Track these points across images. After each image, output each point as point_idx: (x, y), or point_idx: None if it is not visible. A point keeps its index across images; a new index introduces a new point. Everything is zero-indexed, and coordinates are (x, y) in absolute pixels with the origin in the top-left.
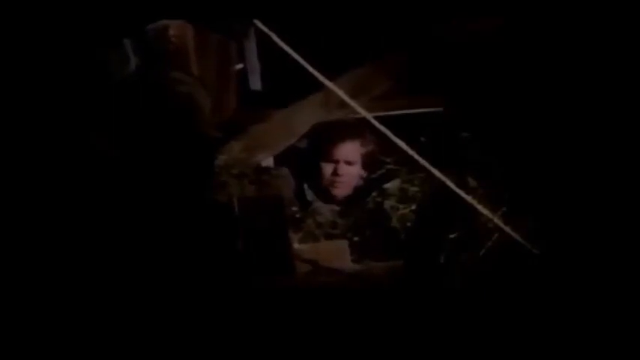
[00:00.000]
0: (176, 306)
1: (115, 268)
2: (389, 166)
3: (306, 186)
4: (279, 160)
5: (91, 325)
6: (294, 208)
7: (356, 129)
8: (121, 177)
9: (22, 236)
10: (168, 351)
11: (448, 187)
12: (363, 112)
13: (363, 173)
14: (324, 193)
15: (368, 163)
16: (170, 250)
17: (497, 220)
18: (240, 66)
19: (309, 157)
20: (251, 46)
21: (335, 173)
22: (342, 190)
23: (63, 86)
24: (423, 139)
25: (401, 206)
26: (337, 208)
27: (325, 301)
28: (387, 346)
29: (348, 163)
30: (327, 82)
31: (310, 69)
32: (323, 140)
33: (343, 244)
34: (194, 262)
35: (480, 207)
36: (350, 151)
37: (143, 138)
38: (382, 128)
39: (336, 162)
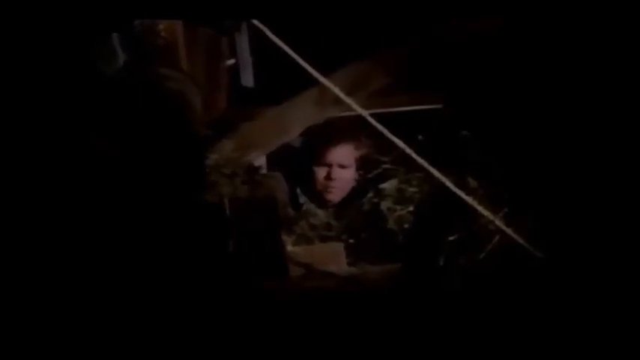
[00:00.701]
0: (165, 308)
1: (104, 271)
2: (386, 166)
3: (299, 190)
4: (272, 161)
5: (80, 326)
6: (288, 209)
7: (350, 131)
8: (107, 176)
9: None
10: (158, 353)
11: (447, 188)
12: (359, 110)
13: (358, 177)
14: (318, 198)
15: (362, 166)
16: (159, 252)
17: (498, 222)
18: (231, 61)
19: (302, 160)
20: (243, 41)
21: (328, 177)
22: (335, 196)
23: (49, 82)
24: (421, 137)
25: (398, 207)
26: (332, 209)
27: (320, 306)
28: (383, 353)
29: (342, 166)
30: (321, 78)
31: (304, 65)
32: (316, 143)
33: (338, 247)
34: (184, 265)
35: (480, 208)
36: (344, 154)
37: (130, 136)
38: (379, 126)
39: (330, 165)
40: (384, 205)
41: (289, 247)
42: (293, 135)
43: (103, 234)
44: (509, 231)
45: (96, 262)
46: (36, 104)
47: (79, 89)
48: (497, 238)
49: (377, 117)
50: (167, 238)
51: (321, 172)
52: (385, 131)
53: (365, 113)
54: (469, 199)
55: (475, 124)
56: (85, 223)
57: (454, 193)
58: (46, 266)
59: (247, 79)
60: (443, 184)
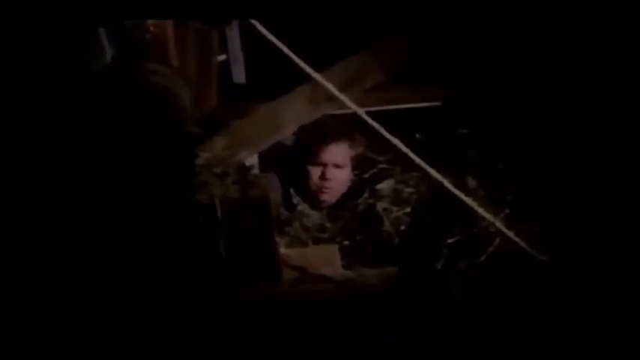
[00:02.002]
0: (155, 310)
1: (94, 273)
2: (381, 165)
3: (292, 191)
4: (264, 160)
5: (71, 325)
6: (282, 210)
7: (344, 130)
8: (91, 174)
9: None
10: (147, 354)
11: (446, 188)
12: (354, 107)
13: (353, 177)
14: (312, 199)
15: (358, 166)
16: (148, 254)
17: (499, 224)
18: (222, 57)
19: (296, 159)
20: (234, 36)
21: (323, 177)
22: (330, 196)
23: (35, 77)
24: (418, 135)
25: (394, 208)
26: (326, 210)
27: (314, 311)
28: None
29: (337, 166)
30: (315, 74)
31: (298, 60)
32: (310, 142)
33: (333, 249)
34: (173, 268)
35: (480, 209)
36: (339, 153)
37: (117, 134)
38: (374, 124)
39: (324, 165)
40: (380, 206)
41: (282, 250)
42: (286, 133)
43: (89, 236)
44: (510, 233)
45: (84, 265)
46: (20, 99)
47: (65, 85)
48: (497, 240)
49: (373, 114)
50: (155, 239)
51: (315, 172)
52: (381, 129)
53: (360, 111)
54: (469, 200)
55: (475, 123)
56: (69, 223)
57: (453, 193)
58: (34, 265)
59: (239, 75)
60: (441, 185)
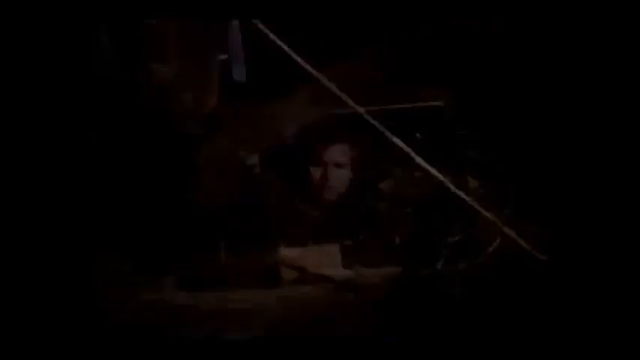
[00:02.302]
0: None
1: (95, 274)
2: (383, 165)
3: (293, 190)
4: (265, 160)
5: (70, 324)
6: (282, 210)
7: (344, 129)
8: (92, 173)
9: None
10: (144, 355)
11: (447, 188)
12: (356, 107)
13: (354, 177)
14: (313, 199)
15: (359, 165)
16: (147, 254)
17: (500, 224)
18: (222, 57)
19: (297, 159)
20: (234, 36)
21: (324, 177)
22: (331, 196)
23: (36, 76)
24: (419, 135)
25: (395, 208)
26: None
27: (314, 311)
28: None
29: (338, 165)
30: (316, 74)
31: (299, 60)
32: (311, 141)
33: (333, 249)
34: (173, 268)
35: (481, 209)
36: (340, 153)
37: (118, 133)
38: (376, 124)
39: (325, 165)
40: (381, 205)
41: (282, 250)
42: (287, 132)
43: (89, 236)
44: (511, 233)
45: (85, 264)
46: (20, 99)
47: (65, 84)
48: (498, 240)
49: (373, 114)
50: (155, 239)
51: (316, 172)
52: (382, 129)
53: (361, 110)
54: (469, 200)
55: (475, 123)
56: (69, 223)
57: (453, 193)
58: (34, 265)
59: (239, 75)
60: (442, 184)
